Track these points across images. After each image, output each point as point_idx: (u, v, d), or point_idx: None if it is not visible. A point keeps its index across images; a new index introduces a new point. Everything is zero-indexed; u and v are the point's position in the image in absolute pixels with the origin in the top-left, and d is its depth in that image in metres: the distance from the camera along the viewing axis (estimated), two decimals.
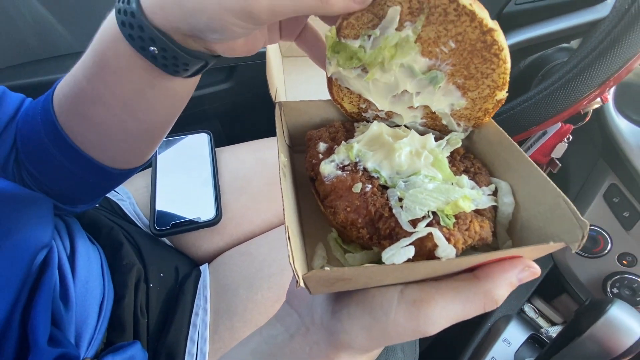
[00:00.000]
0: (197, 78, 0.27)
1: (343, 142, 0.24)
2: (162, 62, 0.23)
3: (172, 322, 0.39)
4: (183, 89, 0.27)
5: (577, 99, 0.35)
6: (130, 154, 0.32)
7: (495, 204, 0.22)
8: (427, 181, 0.20)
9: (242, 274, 0.44)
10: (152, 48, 0.22)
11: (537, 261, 0.62)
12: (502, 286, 0.17)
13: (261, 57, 0.81)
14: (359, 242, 0.21)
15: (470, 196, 0.20)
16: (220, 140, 0.91)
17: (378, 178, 0.21)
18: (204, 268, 0.47)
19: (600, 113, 0.53)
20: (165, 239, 0.51)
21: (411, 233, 0.18)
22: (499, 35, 0.19)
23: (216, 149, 0.60)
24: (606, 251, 0.55)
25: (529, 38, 0.39)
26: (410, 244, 0.18)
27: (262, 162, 0.58)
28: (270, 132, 0.68)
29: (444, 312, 0.17)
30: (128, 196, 0.52)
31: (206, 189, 0.53)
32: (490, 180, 0.23)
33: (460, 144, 0.25)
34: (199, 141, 0.60)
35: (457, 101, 0.23)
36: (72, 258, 0.34)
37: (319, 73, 0.28)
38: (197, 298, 0.42)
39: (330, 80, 0.26)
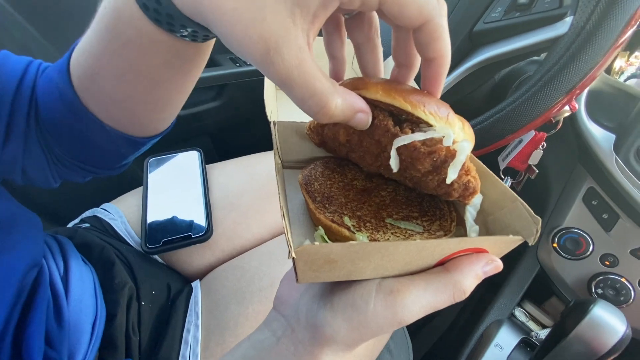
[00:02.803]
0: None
1: None
2: (192, 37, 0.23)
3: (164, 339, 0.39)
4: (205, 49, 0.27)
5: (546, 107, 0.37)
6: (154, 123, 0.33)
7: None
8: None
9: (233, 288, 0.45)
10: (182, 30, 0.22)
11: (525, 265, 0.63)
12: (469, 277, 0.19)
13: (249, 75, 0.84)
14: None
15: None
16: (211, 156, 0.93)
17: None
18: (196, 284, 0.48)
19: (574, 120, 0.56)
20: (157, 257, 0.52)
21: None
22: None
23: (207, 166, 0.61)
24: (588, 253, 0.57)
25: (498, 54, 0.42)
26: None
27: (251, 177, 0.59)
28: (259, 148, 0.70)
29: (418, 300, 0.19)
30: (119, 215, 0.53)
31: (197, 206, 0.54)
32: None
33: None
34: (190, 159, 0.61)
35: None
36: (65, 277, 0.35)
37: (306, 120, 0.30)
38: (189, 315, 0.43)
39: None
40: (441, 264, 0.21)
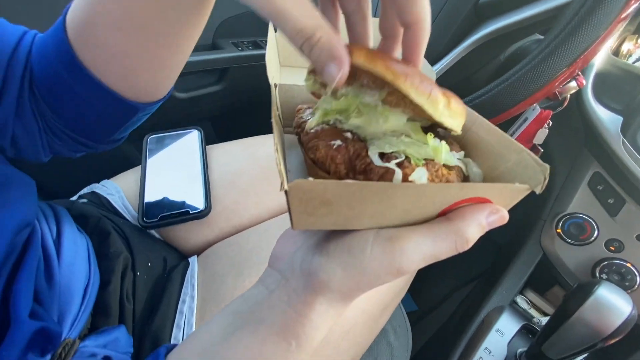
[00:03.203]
0: None
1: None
2: None
3: (159, 308, 0.38)
4: (205, 4, 0.26)
5: (548, 79, 0.36)
6: (152, 85, 0.32)
7: (462, 166, 0.23)
8: (403, 136, 0.21)
9: (231, 262, 0.44)
10: None
11: (527, 252, 0.62)
12: (472, 225, 0.18)
13: (251, 60, 0.83)
14: (336, 178, 0.22)
15: (440, 149, 0.21)
16: (212, 140, 0.92)
17: (359, 134, 0.22)
18: (193, 259, 0.47)
19: (580, 103, 0.55)
20: (154, 232, 0.51)
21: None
22: (447, 121, 0.20)
23: (207, 146, 0.60)
24: (593, 238, 0.56)
25: (504, 25, 0.41)
26: (383, 173, 0.19)
27: (252, 158, 0.58)
28: (260, 133, 0.70)
29: (418, 247, 0.18)
30: (117, 190, 0.52)
31: (196, 183, 0.53)
32: (460, 149, 0.24)
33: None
34: (190, 137, 0.60)
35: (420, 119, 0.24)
36: (58, 241, 0.34)
37: None
38: (185, 287, 0.42)
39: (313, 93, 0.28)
40: (443, 215, 0.20)
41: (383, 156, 0.20)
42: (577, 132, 0.59)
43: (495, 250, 0.88)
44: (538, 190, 0.18)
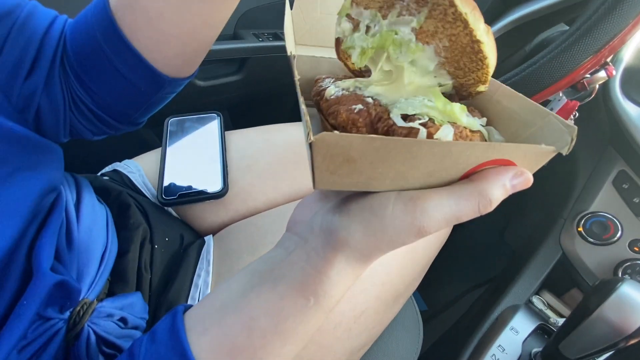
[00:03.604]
0: None
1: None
2: None
3: (175, 280, 0.39)
4: None
5: (574, 67, 0.35)
6: (181, 58, 0.33)
7: (485, 132, 0.22)
8: (425, 100, 0.21)
9: (246, 241, 0.45)
10: None
11: (545, 251, 0.61)
12: (496, 187, 0.18)
13: (271, 51, 0.84)
14: None
15: (464, 110, 0.20)
16: (230, 127, 0.94)
17: (379, 100, 0.22)
18: (208, 238, 0.48)
19: (607, 97, 0.54)
20: (171, 210, 0.52)
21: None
22: (485, 46, 0.20)
23: (226, 132, 0.61)
24: (616, 238, 0.54)
25: (532, 11, 0.40)
26: (407, 133, 0.19)
27: (270, 143, 0.59)
28: (277, 120, 0.70)
29: (440, 207, 0.17)
30: (138, 169, 0.54)
31: (214, 164, 0.54)
32: (482, 117, 0.24)
33: (452, 91, 0.26)
34: (209, 121, 0.61)
35: (445, 82, 0.24)
36: (77, 207, 0.35)
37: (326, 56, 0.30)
38: (200, 262, 0.43)
39: (337, 40, 0.28)
40: (466, 177, 0.20)
41: (406, 118, 0.20)
42: (602, 129, 0.58)
43: (509, 255, 0.86)
44: (565, 152, 0.18)
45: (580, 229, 0.57)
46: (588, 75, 0.41)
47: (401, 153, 0.17)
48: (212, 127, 0.61)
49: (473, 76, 0.22)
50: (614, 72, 0.41)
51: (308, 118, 0.17)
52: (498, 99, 0.24)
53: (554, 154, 0.19)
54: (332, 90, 0.23)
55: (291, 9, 0.36)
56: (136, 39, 0.30)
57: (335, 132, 0.16)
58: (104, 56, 0.31)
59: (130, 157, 0.58)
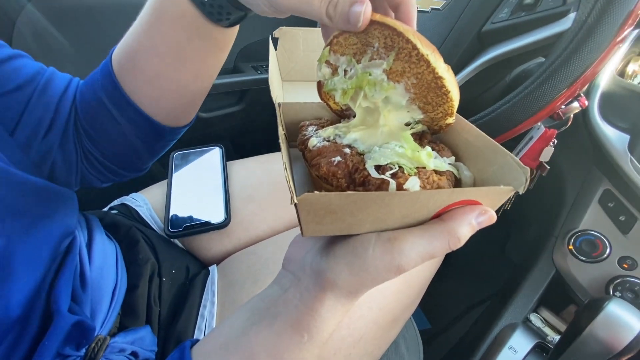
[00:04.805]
0: (235, 30, 0.32)
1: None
2: (209, 10, 0.28)
3: (182, 312, 0.41)
4: (224, 38, 0.32)
5: (549, 100, 0.38)
6: (179, 109, 0.37)
7: (455, 171, 0.25)
8: (396, 147, 0.24)
9: (248, 271, 0.47)
10: None
11: (540, 269, 0.63)
12: (463, 225, 0.20)
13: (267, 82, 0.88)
14: (339, 190, 0.24)
15: (432, 155, 0.23)
16: (231, 156, 0.98)
17: (357, 147, 0.25)
18: (213, 268, 0.50)
19: (587, 121, 0.57)
20: (177, 242, 0.55)
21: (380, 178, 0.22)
22: (447, 81, 0.23)
23: (228, 162, 0.65)
24: (605, 255, 0.56)
25: (506, 51, 0.44)
26: (380, 184, 0.21)
27: (268, 172, 0.62)
28: (276, 148, 0.73)
29: (415, 247, 0.20)
30: (145, 202, 0.57)
31: (217, 196, 0.57)
32: (451, 155, 0.27)
33: (424, 128, 0.28)
34: (212, 154, 0.65)
35: (418, 116, 0.27)
36: (89, 246, 0.38)
37: (311, 95, 0.33)
38: (206, 292, 0.45)
39: (319, 83, 0.31)
40: (438, 217, 0.22)
41: (379, 168, 0.23)
42: (586, 150, 0.60)
43: (510, 269, 0.88)
44: (521, 191, 0.20)
45: (571, 247, 0.59)
46: (563, 107, 0.44)
47: (376, 203, 0.20)
48: (215, 159, 0.64)
49: (440, 110, 0.25)
50: (586, 103, 0.44)
51: (292, 184, 0.19)
52: (466, 137, 0.27)
53: (512, 193, 0.21)
54: (314, 141, 0.26)
55: (275, 49, 0.39)
56: (137, 96, 0.34)
57: (315, 192, 0.18)
58: (108, 113, 0.35)
59: (137, 189, 0.61)
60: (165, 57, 0.32)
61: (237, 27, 0.32)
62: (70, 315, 0.29)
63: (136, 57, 0.32)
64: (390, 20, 0.22)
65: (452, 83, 0.23)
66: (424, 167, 0.23)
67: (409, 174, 0.22)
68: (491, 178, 0.24)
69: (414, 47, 0.22)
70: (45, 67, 0.36)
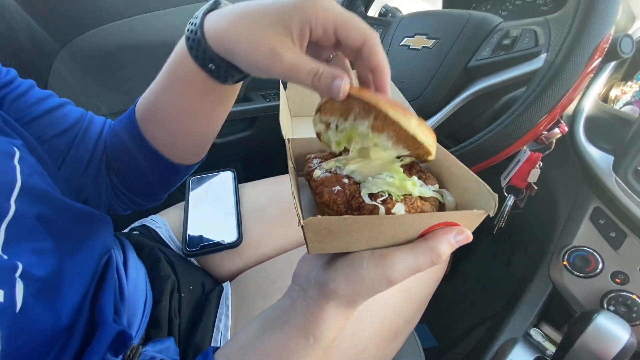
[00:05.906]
0: (240, 84, 0.37)
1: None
2: (216, 75, 0.32)
3: (199, 325, 0.45)
4: (230, 92, 0.37)
5: (530, 127, 0.43)
6: (191, 151, 0.43)
7: (438, 196, 0.29)
8: (387, 177, 0.28)
9: (259, 287, 0.51)
10: (210, 65, 0.31)
11: (537, 284, 0.68)
12: (443, 244, 0.24)
13: (277, 109, 0.95)
14: (338, 214, 0.28)
15: (416, 184, 0.28)
16: (242, 177, 1.03)
17: (354, 178, 0.30)
18: (226, 284, 0.54)
19: (574, 143, 0.60)
20: (193, 260, 0.59)
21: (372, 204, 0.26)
22: (419, 136, 0.27)
23: (239, 184, 0.70)
24: (598, 270, 0.58)
25: (489, 85, 0.49)
26: (372, 209, 0.26)
27: (277, 194, 0.67)
28: (285, 170, 0.79)
29: (403, 262, 0.24)
30: (164, 224, 0.62)
31: (229, 217, 0.62)
32: (435, 182, 0.31)
33: (413, 159, 0.33)
34: (225, 177, 0.70)
35: (404, 152, 0.30)
36: (125, 264, 0.43)
37: None
38: (220, 307, 0.49)
39: (318, 134, 0.36)
40: (423, 236, 0.26)
41: (372, 196, 0.27)
42: (576, 170, 0.64)
43: (515, 285, 0.89)
44: (492, 213, 0.24)
45: (566, 262, 0.61)
46: (545, 132, 0.49)
47: (369, 225, 0.24)
48: (228, 182, 0.69)
49: (421, 151, 0.29)
50: (566, 129, 0.48)
51: (299, 209, 0.24)
52: (449, 167, 0.32)
53: (485, 216, 0.25)
54: (318, 172, 0.31)
55: (285, 89, 0.45)
56: (156, 141, 0.40)
57: (318, 216, 0.23)
58: (133, 156, 0.41)
59: (156, 211, 0.67)
60: (180, 111, 0.37)
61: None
62: (114, 325, 0.33)
63: (155, 111, 0.39)
64: (365, 94, 0.26)
65: (424, 136, 0.27)
66: (410, 194, 0.27)
67: (396, 200, 0.26)
68: (469, 202, 0.28)
69: (386, 114, 0.26)
70: (86, 112, 0.42)
